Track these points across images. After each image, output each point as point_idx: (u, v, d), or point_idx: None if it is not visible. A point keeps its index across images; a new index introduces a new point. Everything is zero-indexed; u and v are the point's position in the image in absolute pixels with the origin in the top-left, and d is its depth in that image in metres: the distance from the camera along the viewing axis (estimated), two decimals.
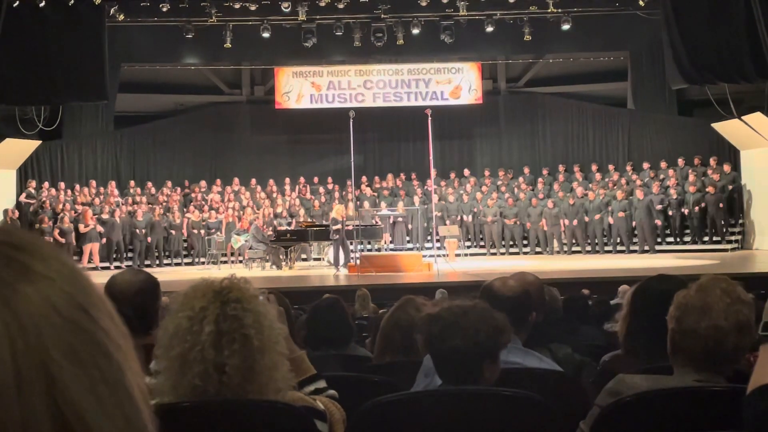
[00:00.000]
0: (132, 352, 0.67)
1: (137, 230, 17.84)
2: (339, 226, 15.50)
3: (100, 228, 17.34)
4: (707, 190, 17.74)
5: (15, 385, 0.57)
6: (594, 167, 19.91)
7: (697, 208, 17.69)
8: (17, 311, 0.59)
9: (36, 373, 0.58)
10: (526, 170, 20.53)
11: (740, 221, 18.27)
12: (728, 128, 17.78)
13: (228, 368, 1.93)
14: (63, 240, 16.46)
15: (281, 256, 16.28)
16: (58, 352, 0.60)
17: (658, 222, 17.84)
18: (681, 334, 2.35)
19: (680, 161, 18.95)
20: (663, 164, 19.12)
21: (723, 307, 2.28)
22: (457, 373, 2.44)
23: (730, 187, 18.12)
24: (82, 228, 17.12)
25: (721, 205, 17.61)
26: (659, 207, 17.82)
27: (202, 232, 18.28)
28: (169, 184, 19.97)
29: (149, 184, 19.96)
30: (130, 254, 18.09)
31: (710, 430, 2.19)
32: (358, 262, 14.83)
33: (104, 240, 17.43)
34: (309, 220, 18.04)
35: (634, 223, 18.02)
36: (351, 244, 15.86)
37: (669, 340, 2.40)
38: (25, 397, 0.57)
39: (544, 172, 20.39)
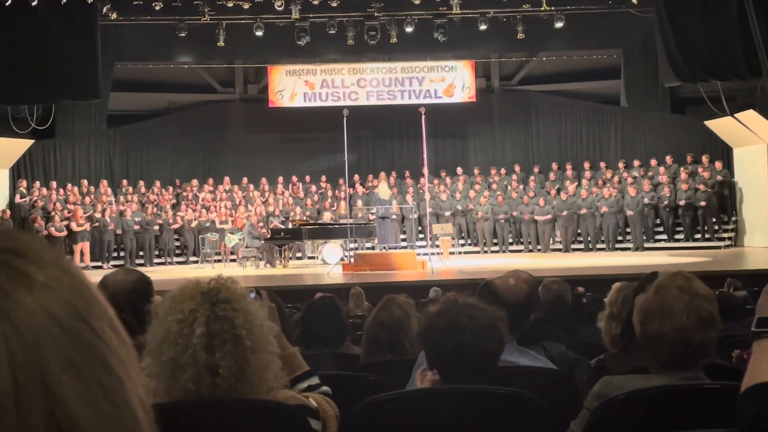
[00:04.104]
0: (133, 360, 0.66)
1: (128, 229, 17.79)
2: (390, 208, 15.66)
3: (88, 227, 17.30)
4: (699, 187, 17.79)
5: (13, 399, 0.56)
6: (587, 165, 19.96)
7: (684, 203, 17.74)
8: (16, 323, 0.58)
9: (35, 386, 0.57)
10: (517, 168, 20.54)
11: (733, 219, 18.32)
12: (721, 126, 17.82)
13: (221, 370, 1.92)
14: (55, 238, 16.43)
15: (275, 255, 16.27)
16: (57, 365, 0.58)
17: (656, 221, 17.93)
18: (647, 339, 2.34)
19: (668, 159, 19.01)
20: (653, 162, 19.17)
21: (682, 306, 2.27)
22: (467, 375, 2.43)
23: (720, 179, 18.14)
24: (74, 227, 17.08)
25: (705, 203, 17.62)
26: (647, 201, 17.87)
27: (195, 231, 18.24)
28: (158, 183, 19.92)
29: (140, 183, 19.92)
30: (122, 253, 18.04)
31: (700, 428, 2.19)
32: (352, 260, 14.82)
33: (105, 238, 17.45)
34: (304, 218, 18.04)
35: (628, 215, 18.05)
36: (350, 241, 15.90)
37: (639, 344, 2.39)
38: (23, 411, 0.56)
39: (536, 170, 20.42)
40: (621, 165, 19.59)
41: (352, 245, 16.15)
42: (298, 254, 18.37)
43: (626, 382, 2.40)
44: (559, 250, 18.49)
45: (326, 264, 16.04)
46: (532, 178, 20.00)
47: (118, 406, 0.61)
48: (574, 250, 18.42)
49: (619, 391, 2.35)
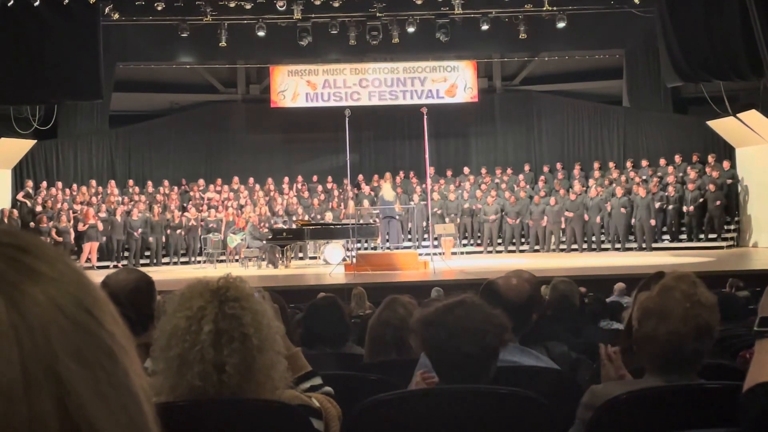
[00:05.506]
0: (135, 353, 0.67)
1: (133, 230, 17.81)
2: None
3: (101, 226, 17.31)
4: (708, 187, 17.73)
5: (23, 386, 0.57)
6: (596, 165, 19.90)
7: (692, 206, 17.71)
8: (25, 312, 0.59)
9: (44, 374, 0.59)
10: (527, 168, 20.55)
11: (736, 218, 18.29)
12: (723, 126, 17.80)
13: (228, 367, 1.93)
14: (60, 239, 16.46)
15: (277, 255, 16.27)
16: (65, 354, 0.60)
17: (653, 222, 17.82)
18: (642, 338, 2.33)
19: (677, 158, 18.97)
20: (662, 162, 19.10)
21: (682, 312, 2.26)
22: (465, 375, 2.43)
23: (729, 182, 18.11)
24: (81, 226, 17.09)
25: (718, 202, 17.57)
26: (657, 204, 17.84)
27: (201, 231, 18.26)
28: (167, 183, 19.95)
29: (149, 183, 19.94)
30: (126, 253, 18.06)
31: (700, 428, 2.19)
32: (354, 260, 14.83)
33: (104, 239, 17.43)
34: (307, 218, 18.04)
35: (633, 221, 18.01)
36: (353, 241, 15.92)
37: (634, 342, 2.39)
38: (33, 398, 0.58)
39: (545, 169, 20.41)
40: (629, 164, 19.56)
41: (357, 245, 16.16)
42: (300, 254, 18.38)
43: (611, 388, 2.39)
44: (565, 250, 18.44)
45: (328, 264, 16.05)
46: (542, 178, 19.99)
47: (123, 393, 0.63)
48: (575, 249, 18.38)
49: (606, 398, 2.34)
